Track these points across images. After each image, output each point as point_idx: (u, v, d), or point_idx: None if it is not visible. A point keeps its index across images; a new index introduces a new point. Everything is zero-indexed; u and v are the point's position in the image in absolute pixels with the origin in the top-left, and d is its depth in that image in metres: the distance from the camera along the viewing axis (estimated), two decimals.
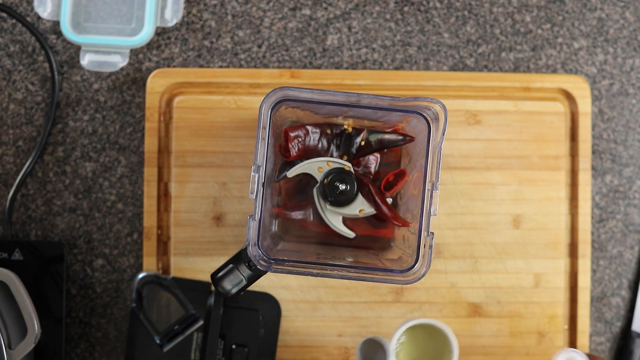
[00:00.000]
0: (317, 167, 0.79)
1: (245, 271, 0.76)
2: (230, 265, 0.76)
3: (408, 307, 0.89)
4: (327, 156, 0.80)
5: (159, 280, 0.87)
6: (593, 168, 0.92)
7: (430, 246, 0.72)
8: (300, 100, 0.74)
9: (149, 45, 0.90)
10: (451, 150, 0.89)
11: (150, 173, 0.88)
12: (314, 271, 0.73)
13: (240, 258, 0.76)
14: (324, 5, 0.91)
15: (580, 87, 0.90)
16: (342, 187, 0.78)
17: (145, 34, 0.88)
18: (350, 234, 0.81)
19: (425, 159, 0.74)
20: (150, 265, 0.88)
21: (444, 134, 0.72)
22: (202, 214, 0.88)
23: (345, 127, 0.80)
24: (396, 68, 0.91)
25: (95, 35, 0.88)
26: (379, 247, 0.83)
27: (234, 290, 0.76)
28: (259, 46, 0.91)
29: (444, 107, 0.73)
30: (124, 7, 0.89)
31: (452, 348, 0.82)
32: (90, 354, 0.89)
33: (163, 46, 0.90)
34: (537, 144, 0.90)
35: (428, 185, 0.73)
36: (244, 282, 0.76)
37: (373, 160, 0.82)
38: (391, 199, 0.81)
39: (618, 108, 0.92)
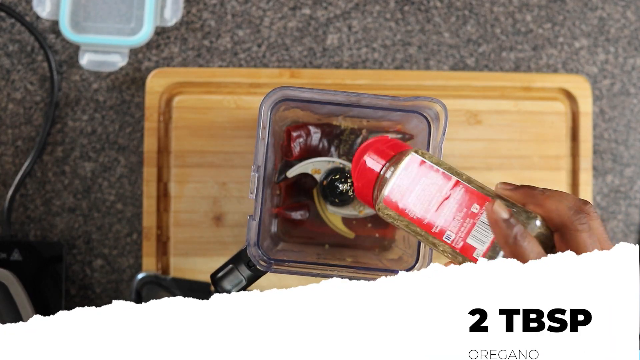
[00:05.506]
0: (317, 167, 0.79)
1: (245, 271, 0.76)
2: (230, 265, 0.76)
3: None
4: (327, 156, 0.80)
5: (158, 281, 0.86)
6: (594, 168, 0.92)
7: None
8: (300, 100, 0.74)
9: (149, 45, 0.90)
10: (452, 150, 0.89)
11: (149, 173, 0.88)
12: (314, 271, 0.73)
13: (240, 258, 0.76)
14: (324, 4, 0.91)
15: (581, 87, 0.90)
16: (342, 187, 0.78)
17: (145, 34, 0.88)
18: (350, 234, 0.80)
19: None
20: (149, 265, 0.88)
21: (444, 134, 0.72)
22: (201, 214, 0.88)
23: (345, 127, 0.80)
24: (396, 68, 0.91)
25: (94, 34, 0.88)
26: (379, 247, 0.83)
27: (233, 291, 0.76)
28: (259, 46, 0.91)
29: (444, 106, 0.72)
30: (123, 7, 0.89)
31: None
32: None
33: (162, 46, 0.90)
34: (538, 144, 0.89)
35: None
36: (244, 283, 0.76)
37: None
38: None
39: (619, 108, 0.92)
